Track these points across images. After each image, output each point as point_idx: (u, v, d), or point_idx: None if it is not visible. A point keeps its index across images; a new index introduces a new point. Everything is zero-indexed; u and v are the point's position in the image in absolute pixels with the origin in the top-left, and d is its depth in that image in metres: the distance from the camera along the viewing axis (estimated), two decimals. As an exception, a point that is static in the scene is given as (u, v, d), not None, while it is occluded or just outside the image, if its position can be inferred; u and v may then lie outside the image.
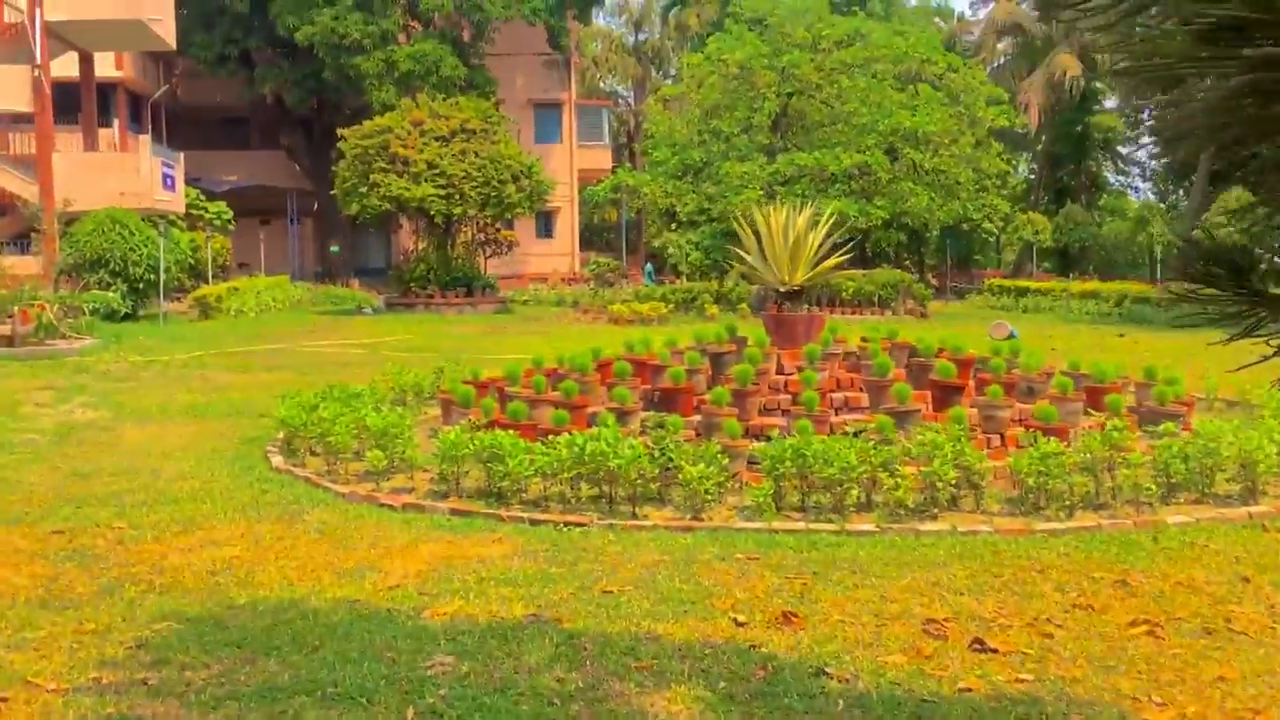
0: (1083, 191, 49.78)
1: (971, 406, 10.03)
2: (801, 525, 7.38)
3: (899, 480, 7.51)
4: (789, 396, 10.42)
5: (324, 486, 8.93)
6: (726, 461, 8.03)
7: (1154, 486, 7.65)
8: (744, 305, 30.50)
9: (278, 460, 9.92)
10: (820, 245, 12.01)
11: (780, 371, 11.10)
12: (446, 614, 5.87)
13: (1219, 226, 33.44)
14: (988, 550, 6.86)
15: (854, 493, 7.52)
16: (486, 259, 37.87)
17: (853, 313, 31.01)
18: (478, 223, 35.47)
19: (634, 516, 7.73)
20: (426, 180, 31.16)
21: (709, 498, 7.61)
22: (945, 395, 9.91)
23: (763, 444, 8.20)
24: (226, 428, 12.02)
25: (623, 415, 9.75)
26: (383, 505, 8.35)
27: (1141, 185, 53.23)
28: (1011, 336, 23.74)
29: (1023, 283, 37.54)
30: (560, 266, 51.76)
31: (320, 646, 5.37)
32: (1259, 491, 8.14)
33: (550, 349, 22.77)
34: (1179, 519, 7.47)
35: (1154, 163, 51.39)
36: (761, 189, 30.92)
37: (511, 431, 8.71)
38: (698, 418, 10.05)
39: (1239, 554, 6.85)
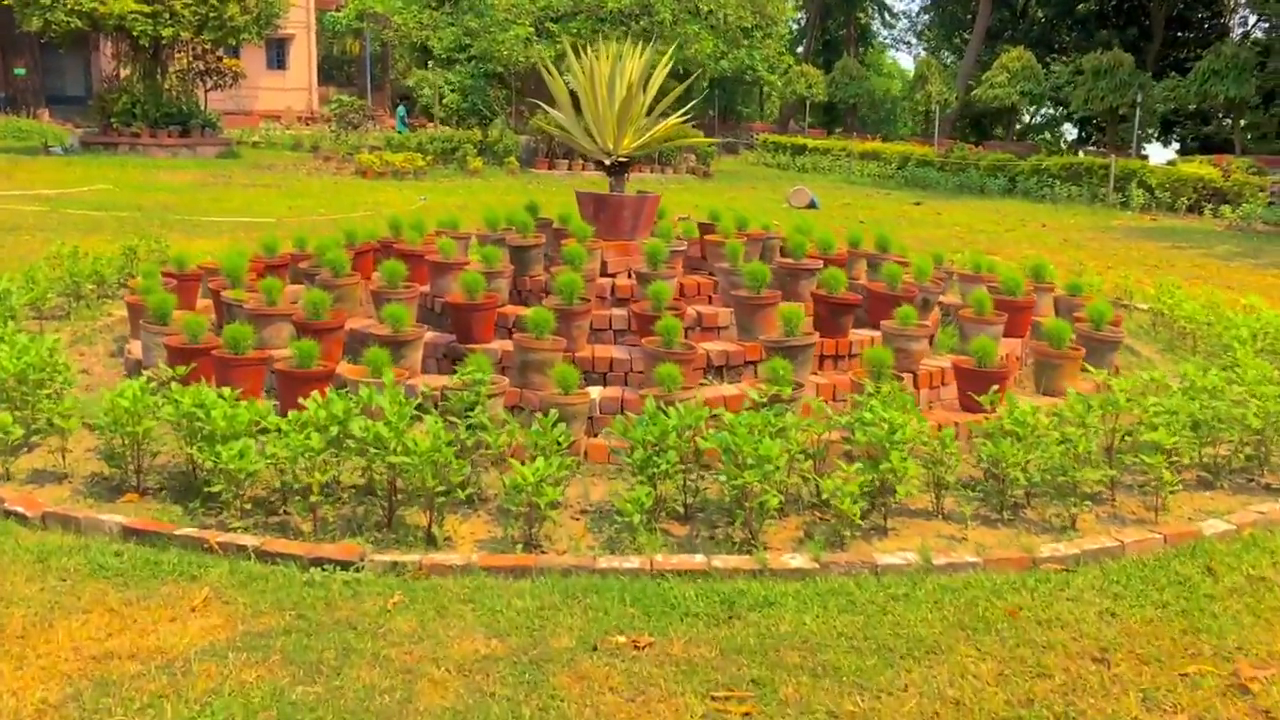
0: (850, 45, 48.43)
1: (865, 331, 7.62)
2: (700, 561, 4.72)
3: (842, 484, 4.94)
4: (622, 313, 7.68)
5: (-92, 475, 5.55)
6: (565, 436, 5.25)
7: (1169, 474, 5.42)
8: (512, 159, 27.21)
9: None
10: (653, 103, 9.13)
11: (605, 273, 8.31)
12: None
13: (999, 86, 32.60)
14: (991, 607, 4.44)
15: (773, 500, 4.90)
16: (207, 92, 32.50)
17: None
18: (195, 48, 30.12)
19: (432, 543, 4.86)
20: (127, -8, 25.71)
21: (549, 511, 4.83)
22: (834, 317, 7.41)
23: (624, 420, 5.43)
24: None
25: (398, 347, 6.73)
26: (8, 513, 5.11)
27: (915, 41, 52.38)
28: (812, 205, 21.81)
29: (799, 139, 35.81)
30: (295, 104, 46.18)
31: None
32: (1268, 464, 6.12)
33: (287, 209, 18.92)
34: (1218, 526, 5.29)
35: (924, 16, 50.59)
36: (532, 25, 27.34)
37: (227, 388, 5.56)
38: (498, 346, 7.17)
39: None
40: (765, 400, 5.76)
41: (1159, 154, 47.48)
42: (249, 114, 42.06)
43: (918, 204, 23.28)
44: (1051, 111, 46.35)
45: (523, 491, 4.72)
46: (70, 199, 18.33)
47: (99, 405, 5.51)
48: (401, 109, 32.83)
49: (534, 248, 8.44)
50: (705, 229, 9.36)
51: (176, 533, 4.86)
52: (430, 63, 29.98)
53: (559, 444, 5.13)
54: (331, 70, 54.83)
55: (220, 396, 5.44)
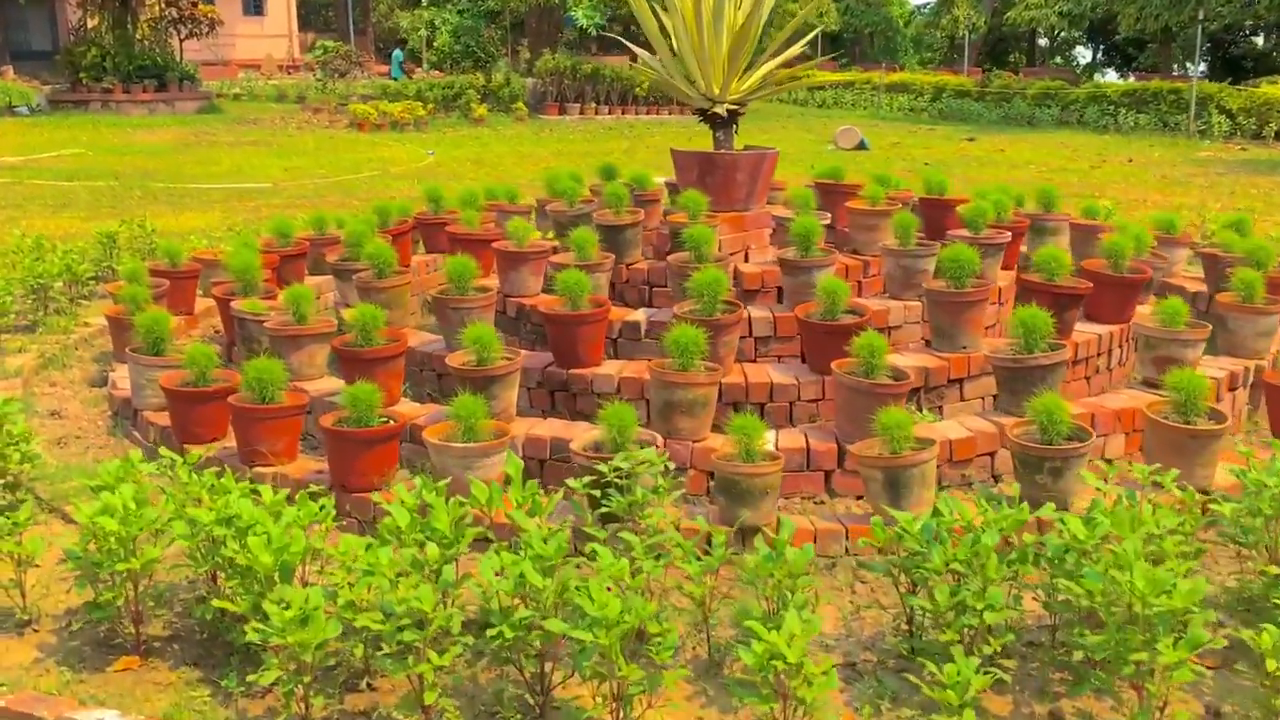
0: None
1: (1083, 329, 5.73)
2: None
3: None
4: (762, 315, 5.79)
5: None
6: (801, 559, 3.39)
7: None
8: (520, 105, 25.05)
9: None
10: (767, 32, 7.14)
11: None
12: None
13: (1034, 7, 30.33)
14: None
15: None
16: (182, 41, 30.11)
17: (647, 112, 26.17)
18: (166, -6, 27.78)
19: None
20: (89, -67, 23.34)
21: (804, 690, 2.96)
22: (1056, 313, 5.47)
23: (885, 528, 3.54)
24: None
25: (486, 384, 4.83)
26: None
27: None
28: (862, 146, 19.78)
29: (819, 75, 33.56)
30: (275, 51, 43.54)
31: None
32: None
33: (282, 171, 16.77)
34: None
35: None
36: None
37: (268, 490, 3.69)
38: (613, 371, 5.31)
39: None
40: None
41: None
42: (226, 64, 39.52)
43: (971, 139, 21.26)
44: (1067, 35, 43.98)
45: (772, 670, 2.86)
46: (38, 167, 16.25)
47: (78, 510, 3.63)
48: (398, 53, 30.44)
49: (631, 227, 6.52)
50: (825, 190, 7.42)
51: (206, 748, 3.01)
52: (424, 0, 27.64)
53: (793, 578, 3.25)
54: (309, 14, 52.03)
55: (256, 499, 3.57)
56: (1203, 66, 42.29)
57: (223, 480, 3.73)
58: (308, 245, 7.58)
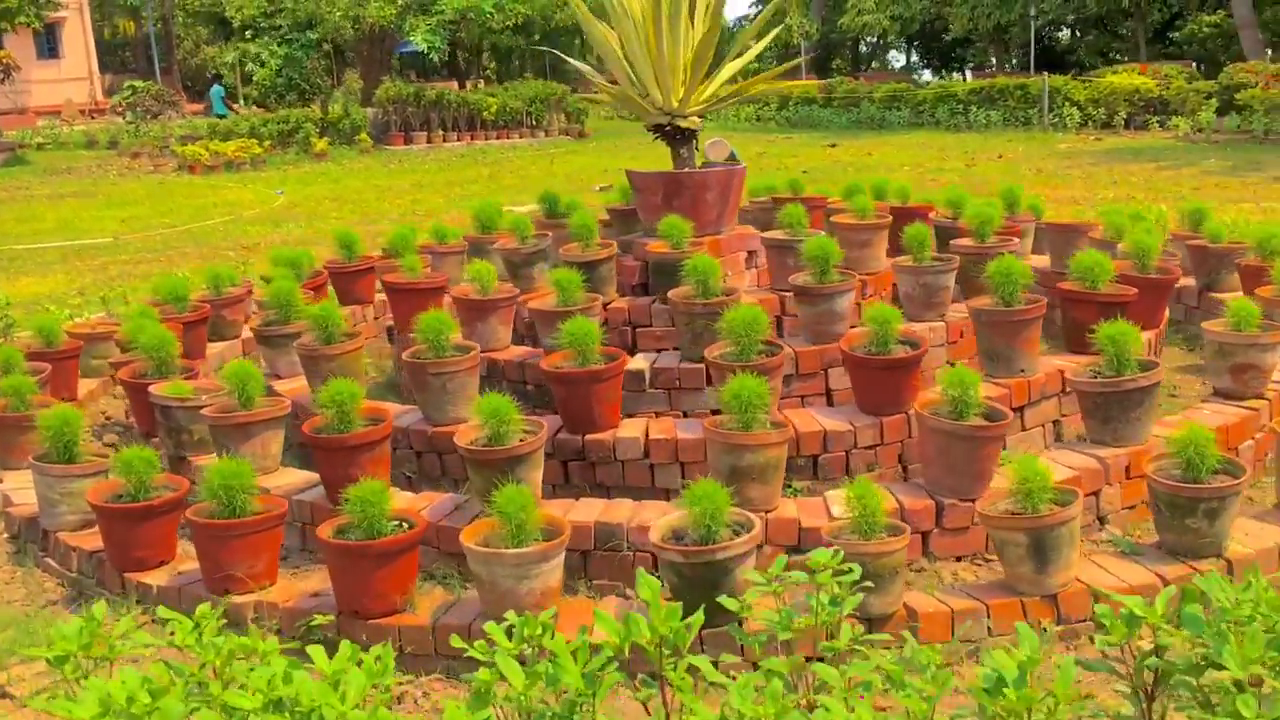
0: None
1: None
2: None
3: None
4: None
5: None
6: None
7: None
8: (364, 136, 23.75)
9: None
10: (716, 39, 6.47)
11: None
12: None
13: (868, 13, 30.76)
14: None
15: None
16: (-25, 90, 27.60)
17: (497, 137, 25.23)
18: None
19: None
20: None
21: None
22: (1091, 324, 4.92)
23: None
24: None
25: (510, 468, 3.98)
26: None
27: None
28: (733, 159, 19.35)
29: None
30: (76, 95, 40.70)
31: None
32: None
33: (119, 223, 15.13)
34: None
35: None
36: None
37: (227, 617, 2.79)
38: (636, 434, 4.56)
39: None
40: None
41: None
42: (24, 112, 36.71)
43: (833, 145, 21.18)
44: (896, 39, 45.02)
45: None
46: None
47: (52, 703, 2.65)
48: (218, 89, 28.56)
49: (605, 262, 5.77)
50: (780, 203, 6.84)
51: None
52: (233, 36, 25.91)
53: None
54: (105, 56, 48.95)
55: (303, 665, 2.66)
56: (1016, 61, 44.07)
57: (245, 638, 2.80)
58: (208, 308, 6.50)
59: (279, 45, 27.41)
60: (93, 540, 4.28)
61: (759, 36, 6.66)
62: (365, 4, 23.49)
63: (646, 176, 6.30)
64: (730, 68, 6.46)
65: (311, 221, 14.06)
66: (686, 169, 6.37)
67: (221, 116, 25.60)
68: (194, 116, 31.52)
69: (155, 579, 4.05)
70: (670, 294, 5.20)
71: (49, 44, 40.39)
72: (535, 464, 4.11)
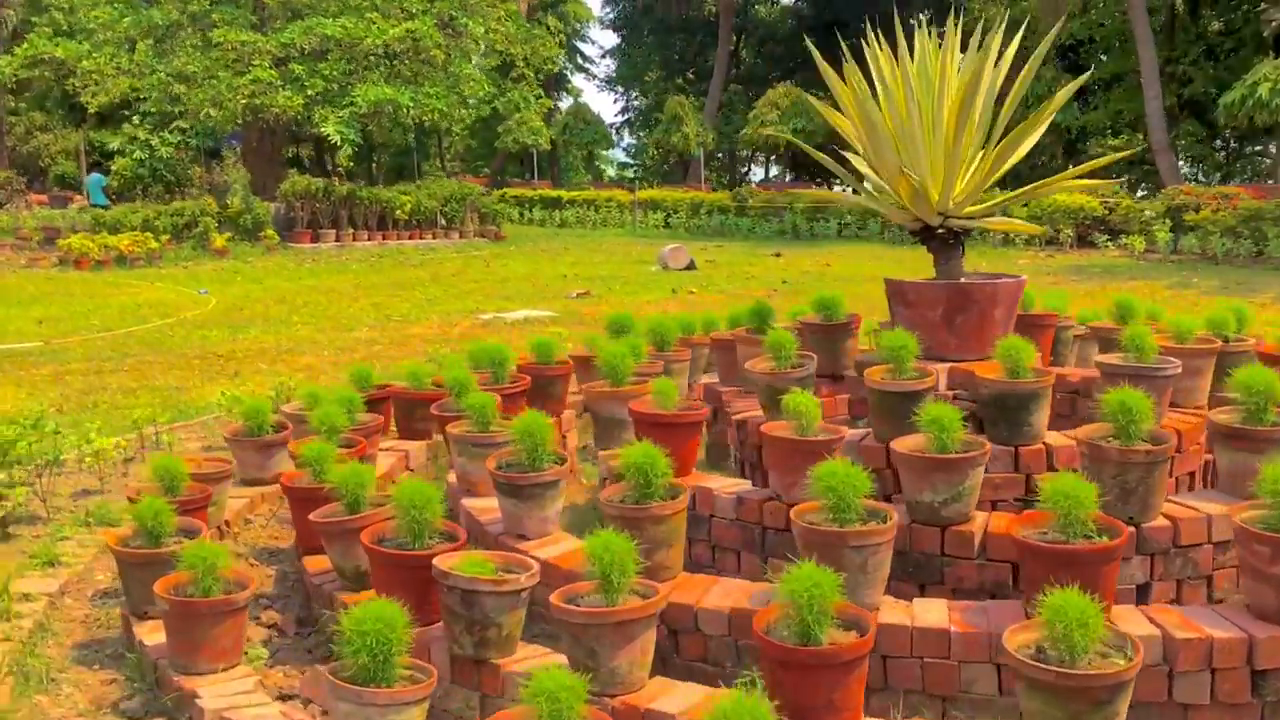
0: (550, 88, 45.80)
1: None
2: None
3: None
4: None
5: None
6: None
7: None
8: (269, 232, 21.88)
9: None
10: (1013, 122, 5.58)
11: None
12: None
13: (771, 124, 30.81)
14: None
15: None
16: None
17: (410, 237, 23.73)
18: None
19: None
20: None
21: None
22: None
23: None
24: None
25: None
26: None
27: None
28: (691, 266, 18.51)
29: (556, 192, 32.46)
30: (-98, 183, 36.88)
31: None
32: None
33: (36, 325, 12.97)
34: None
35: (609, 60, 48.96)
36: (272, 65, 22.21)
37: None
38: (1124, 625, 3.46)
39: None
40: None
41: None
42: None
43: (778, 255, 20.60)
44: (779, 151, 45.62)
45: None
46: None
47: None
48: (98, 177, 26.04)
49: (925, 393, 4.64)
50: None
51: None
52: (84, 123, 23.74)
53: None
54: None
55: None
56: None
57: None
58: (200, 495, 5.03)
59: (146, 134, 25.60)
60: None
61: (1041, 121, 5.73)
62: (270, 92, 21.87)
63: (922, 288, 5.26)
64: (1010, 161, 5.52)
65: (276, 328, 12.37)
66: (963, 279, 5.37)
67: (104, 207, 23.27)
68: (40, 207, 28.83)
69: None
70: (1082, 436, 4.11)
71: None
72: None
